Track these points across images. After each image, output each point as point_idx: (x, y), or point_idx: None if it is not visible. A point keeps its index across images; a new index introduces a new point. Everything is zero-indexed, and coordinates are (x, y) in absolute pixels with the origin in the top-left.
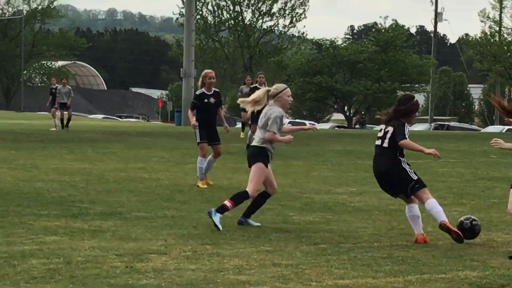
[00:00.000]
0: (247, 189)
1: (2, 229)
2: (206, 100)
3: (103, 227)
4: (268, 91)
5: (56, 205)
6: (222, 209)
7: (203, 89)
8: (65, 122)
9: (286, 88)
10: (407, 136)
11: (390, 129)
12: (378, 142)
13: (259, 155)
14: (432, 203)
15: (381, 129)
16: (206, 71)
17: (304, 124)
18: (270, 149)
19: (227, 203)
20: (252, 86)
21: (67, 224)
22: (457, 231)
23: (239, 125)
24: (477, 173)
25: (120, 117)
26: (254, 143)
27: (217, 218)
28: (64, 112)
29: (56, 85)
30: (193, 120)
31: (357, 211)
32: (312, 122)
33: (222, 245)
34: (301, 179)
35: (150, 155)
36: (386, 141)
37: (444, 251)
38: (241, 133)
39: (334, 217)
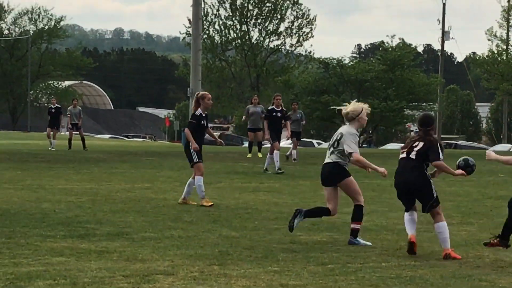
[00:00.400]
0: (358, 203)
1: (8, 250)
2: (203, 122)
3: (110, 248)
4: (347, 113)
5: (62, 225)
6: (356, 233)
7: (200, 110)
8: (72, 142)
9: (364, 109)
10: (441, 158)
11: (420, 144)
12: (403, 155)
13: (339, 171)
14: (443, 227)
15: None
16: (204, 92)
17: (312, 143)
18: (345, 162)
19: (355, 225)
20: (269, 108)
21: (73, 245)
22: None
23: (245, 144)
24: (485, 192)
25: (127, 136)
26: (328, 160)
27: (360, 241)
28: (74, 132)
29: (56, 105)
30: (194, 142)
31: (364, 231)
32: (320, 141)
33: (230, 265)
34: (309, 199)
35: (157, 175)
36: (414, 153)
37: (452, 271)
38: (249, 154)
39: (341, 237)
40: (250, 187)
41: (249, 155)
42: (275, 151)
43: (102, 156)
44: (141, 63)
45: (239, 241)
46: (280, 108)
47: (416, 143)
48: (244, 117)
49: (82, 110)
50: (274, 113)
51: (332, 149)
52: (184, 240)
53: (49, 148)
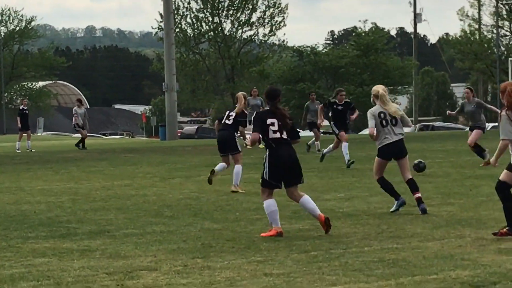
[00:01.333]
0: (410, 176)
1: None
2: None
3: (92, 246)
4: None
5: (43, 226)
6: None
7: None
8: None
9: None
10: None
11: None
12: (277, 135)
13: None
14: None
15: (273, 123)
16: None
17: None
18: None
19: (417, 194)
20: (331, 100)
21: (55, 245)
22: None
23: None
24: (463, 172)
25: (104, 134)
26: (400, 137)
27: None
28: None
29: (24, 106)
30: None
31: (346, 217)
32: (298, 130)
33: (213, 257)
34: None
35: (136, 172)
36: (285, 133)
37: (434, 252)
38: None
39: None
40: (230, 179)
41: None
42: (344, 143)
43: (80, 155)
44: (115, 60)
45: (221, 233)
46: (343, 102)
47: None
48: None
49: (55, 110)
50: (335, 106)
51: (393, 127)
52: (166, 234)
53: (17, 150)
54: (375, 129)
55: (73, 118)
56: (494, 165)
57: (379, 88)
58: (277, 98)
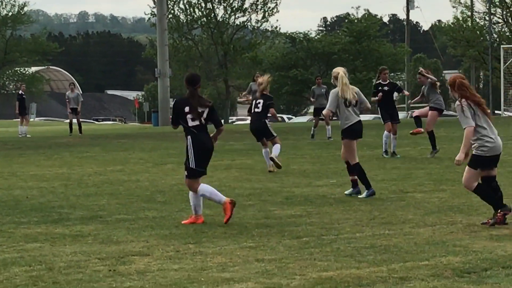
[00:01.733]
0: (356, 161)
1: None
2: None
3: (84, 232)
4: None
5: (36, 211)
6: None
7: None
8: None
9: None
10: None
11: (206, 110)
12: (196, 122)
13: None
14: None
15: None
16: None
17: (282, 118)
18: None
19: (355, 176)
20: (376, 83)
21: (47, 231)
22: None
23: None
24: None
25: (96, 120)
26: (359, 118)
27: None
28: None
29: (22, 91)
30: None
31: (338, 203)
32: (290, 116)
33: (205, 243)
34: (281, 174)
35: (128, 157)
36: (203, 120)
37: (426, 238)
38: None
39: (315, 209)
40: (223, 164)
41: None
42: (391, 134)
43: (72, 140)
44: (108, 45)
45: (214, 219)
46: (388, 81)
47: (202, 110)
48: (244, 93)
49: (48, 95)
50: (380, 87)
51: (354, 108)
52: (158, 220)
53: (19, 135)
54: (331, 112)
55: (67, 103)
56: (459, 162)
57: (339, 70)
58: (196, 84)
